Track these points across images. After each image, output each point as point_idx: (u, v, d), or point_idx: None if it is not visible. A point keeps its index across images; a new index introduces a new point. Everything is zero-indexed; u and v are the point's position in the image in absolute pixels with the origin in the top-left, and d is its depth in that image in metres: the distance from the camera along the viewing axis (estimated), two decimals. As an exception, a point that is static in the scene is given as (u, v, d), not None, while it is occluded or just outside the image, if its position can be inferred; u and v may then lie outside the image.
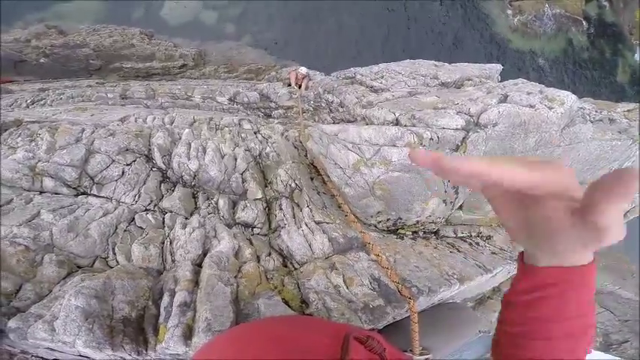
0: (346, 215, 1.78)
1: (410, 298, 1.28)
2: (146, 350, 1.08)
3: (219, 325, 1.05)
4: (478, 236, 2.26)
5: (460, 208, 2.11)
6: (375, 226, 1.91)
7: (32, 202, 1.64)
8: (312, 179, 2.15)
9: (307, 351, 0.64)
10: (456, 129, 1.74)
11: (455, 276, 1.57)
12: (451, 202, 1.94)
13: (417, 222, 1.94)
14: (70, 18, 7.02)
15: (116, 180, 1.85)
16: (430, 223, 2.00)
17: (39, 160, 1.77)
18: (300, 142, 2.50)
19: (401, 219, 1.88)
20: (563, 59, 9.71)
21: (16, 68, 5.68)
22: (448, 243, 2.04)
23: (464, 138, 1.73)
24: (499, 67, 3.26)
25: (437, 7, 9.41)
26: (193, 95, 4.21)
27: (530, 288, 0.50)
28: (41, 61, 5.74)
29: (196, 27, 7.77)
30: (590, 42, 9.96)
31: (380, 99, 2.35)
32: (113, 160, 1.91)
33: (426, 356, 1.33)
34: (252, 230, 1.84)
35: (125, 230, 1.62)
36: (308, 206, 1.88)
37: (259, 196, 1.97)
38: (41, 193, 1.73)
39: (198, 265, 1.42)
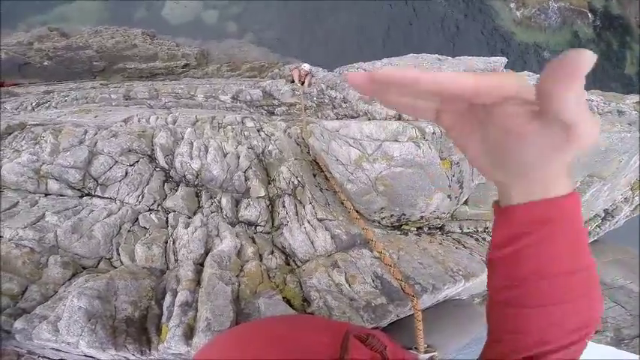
0: (349, 212, 1.77)
1: (413, 296, 1.26)
2: (149, 350, 1.08)
3: (219, 324, 1.05)
4: (484, 231, 2.22)
5: (465, 203, 2.08)
6: (379, 223, 1.89)
7: (37, 204, 1.66)
8: (314, 176, 2.14)
9: (307, 350, 0.63)
10: (460, 123, 1.71)
11: (460, 272, 1.55)
12: (456, 197, 1.92)
13: (422, 217, 1.91)
14: (72, 20, 7.08)
15: (120, 181, 1.86)
16: (435, 218, 1.98)
17: (43, 163, 1.79)
18: (303, 139, 2.49)
19: (405, 215, 1.86)
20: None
21: (21, 71, 5.76)
22: (454, 239, 2.01)
23: (468, 132, 1.70)
24: (504, 60, 3.20)
25: (438, 0, 9.29)
26: (196, 94, 4.22)
27: (510, 237, 0.44)
28: (45, 63, 5.81)
29: (198, 26, 7.77)
30: (596, 34, 9.75)
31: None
32: (116, 161, 1.92)
33: (432, 354, 1.32)
34: (256, 228, 1.83)
35: (129, 231, 1.63)
36: (310, 203, 1.87)
37: (262, 193, 1.97)
38: (46, 195, 1.75)
39: (200, 265, 1.42)
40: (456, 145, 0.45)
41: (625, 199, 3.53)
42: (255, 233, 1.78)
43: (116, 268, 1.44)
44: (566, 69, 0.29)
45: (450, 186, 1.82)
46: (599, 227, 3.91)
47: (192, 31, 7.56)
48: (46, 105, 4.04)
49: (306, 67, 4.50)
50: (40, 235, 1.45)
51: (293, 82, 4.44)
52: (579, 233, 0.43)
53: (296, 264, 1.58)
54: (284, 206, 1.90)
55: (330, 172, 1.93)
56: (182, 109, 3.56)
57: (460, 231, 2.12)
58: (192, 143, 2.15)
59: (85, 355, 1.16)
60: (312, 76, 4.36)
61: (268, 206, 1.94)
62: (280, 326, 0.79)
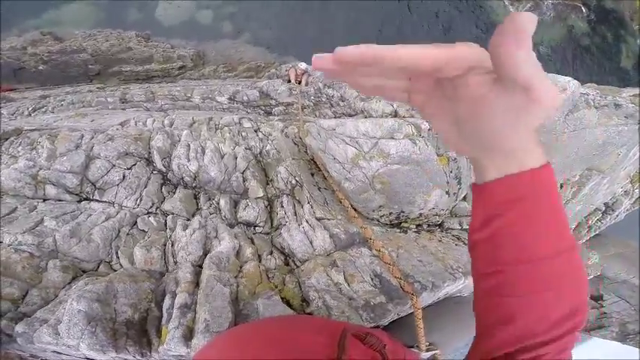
0: (347, 210, 1.77)
1: (413, 295, 1.26)
2: (150, 352, 1.09)
3: (218, 326, 1.05)
4: (483, 227, 2.23)
5: (464, 199, 2.08)
6: (378, 221, 1.89)
7: (36, 209, 1.66)
8: (312, 175, 2.14)
9: (305, 351, 0.63)
10: (456, 119, 1.71)
11: (460, 270, 1.55)
12: (454, 194, 1.92)
13: (420, 215, 1.91)
14: (65, 24, 7.03)
15: (117, 184, 1.86)
16: (434, 215, 1.98)
17: (40, 168, 1.79)
18: (300, 139, 2.49)
19: (403, 212, 1.86)
20: (564, 46, 9.52)
21: (16, 76, 5.75)
22: (453, 235, 2.01)
23: (464, 128, 1.70)
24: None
25: (431, -5, 9.26)
26: (193, 96, 4.22)
27: (487, 216, 0.43)
28: (40, 68, 5.79)
29: (193, 27, 7.73)
30: (591, 28, 9.74)
31: (378, 92, 2.32)
32: (113, 165, 1.91)
33: (434, 352, 1.32)
34: (255, 229, 1.83)
35: (128, 234, 1.63)
36: (309, 202, 1.88)
37: (260, 194, 1.97)
38: (44, 200, 1.75)
39: (199, 266, 1.42)
40: (431, 126, 0.45)
41: (625, 192, 3.54)
42: (254, 234, 1.78)
43: (116, 271, 1.44)
44: (510, 28, 0.30)
45: (447, 182, 1.82)
46: (599, 221, 3.91)
47: (187, 32, 7.52)
48: (43, 110, 4.03)
49: (302, 66, 4.50)
50: (39, 240, 1.45)
51: (290, 81, 4.43)
52: (557, 210, 0.42)
53: (295, 264, 1.58)
54: (282, 206, 1.91)
55: (328, 171, 1.93)
56: (179, 111, 3.56)
57: (460, 227, 2.13)
58: (189, 145, 2.15)
59: (86, 358, 1.16)
60: (309, 75, 4.35)
61: (267, 207, 1.94)
62: (279, 327, 0.79)
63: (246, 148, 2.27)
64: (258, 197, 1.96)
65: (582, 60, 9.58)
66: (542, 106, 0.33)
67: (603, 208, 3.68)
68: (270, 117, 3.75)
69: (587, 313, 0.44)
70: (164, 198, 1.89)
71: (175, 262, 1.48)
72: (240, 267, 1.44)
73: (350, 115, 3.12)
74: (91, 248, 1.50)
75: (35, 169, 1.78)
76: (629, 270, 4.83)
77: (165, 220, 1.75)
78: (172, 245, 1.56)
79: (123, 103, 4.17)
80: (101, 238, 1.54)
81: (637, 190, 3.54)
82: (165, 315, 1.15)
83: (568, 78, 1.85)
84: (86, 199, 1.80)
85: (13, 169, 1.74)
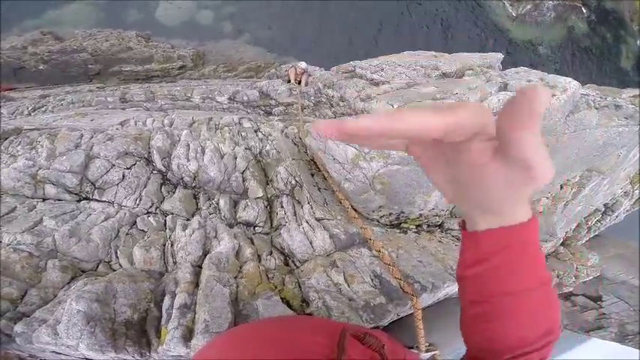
0: (347, 211, 1.76)
1: (413, 295, 1.26)
2: (149, 352, 1.08)
3: (217, 326, 1.05)
4: (483, 228, 2.22)
5: (464, 199, 2.08)
6: (378, 221, 1.89)
7: (35, 209, 1.65)
8: (312, 175, 2.14)
9: (305, 351, 0.63)
10: (456, 120, 1.70)
11: (459, 269, 1.55)
12: (454, 195, 1.92)
13: (420, 215, 1.91)
14: (65, 24, 7.03)
15: (117, 184, 1.85)
16: (434, 216, 1.98)
17: (40, 168, 1.78)
18: (300, 139, 2.49)
19: (403, 213, 1.86)
20: (564, 47, 9.54)
21: (16, 75, 5.74)
22: (453, 236, 2.01)
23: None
24: (500, 55, 3.19)
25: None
26: (193, 96, 4.21)
27: (476, 259, 0.48)
28: (40, 67, 5.79)
29: (193, 27, 7.74)
30: (591, 29, 9.76)
31: (378, 91, 2.32)
32: (113, 165, 1.91)
33: (433, 352, 1.32)
34: (254, 229, 1.83)
35: (127, 234, 1.62)
36: (309, 203, 1.87)
37: (260, 194, 1.97)
38: (44, 200, 1.74)
39: (199, 267, 1.41)
40: (426, 173, 0.47)
41: (625, 193, 3.53)
42: (253, 234, 1.77)
43: (115, 271, 1.44)
44: (522, 107, 0.31)
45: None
46: (599, 222, 3.90)
47: (187, 32, 7.53)
48: (43, 109, 4.02)
49: (302, 64, 4.50)
50: (38, 240, 1.45)
51: (290, 81, 4.43)
52: (536, 255, 0.47)
53: (295, 264, 1.58)
54: (282, 206, 1.90)
55: (328, 172, 1.93)
56: (179, 111, 3.56)
57: (459, 228, 2.12)
58: (188, 145, 2.15)
59: (85, 358, 1.16)
60: (309, 75, 4.35)
61: (266, 207, 1.93)
62: (278, 327, 0.78)
63: (245, 148, 2.27)
64: (258, 197, 1.95)
65: (582, 60, 9.60)
66: (539, 183, 0.35)
67: (603, 209, 3.68)
68: (270, 117, 3.75)
69: (560, 330, 0.51)
70: (164, 198, 1.89)
71: (175, 262, 1.48)
72: (240, 267, 1.44)
73: (350, 116, 3.11)
74: (91, 248, 1.49)
75: (35, 168, 1.77)
76: (628, 271, 4.82)
77: (165, 220, 1.75)
78: (172, 245, 1.56)
79: (123, 102, 4.17)
80: (100, 238, 1.53)
81: (637, 191, 3.54)
82: (164, 315, 1.15)
83: (569, 79, 1.85)
84: (86, 198, 1.80)
85: (12, 168, 1.73)
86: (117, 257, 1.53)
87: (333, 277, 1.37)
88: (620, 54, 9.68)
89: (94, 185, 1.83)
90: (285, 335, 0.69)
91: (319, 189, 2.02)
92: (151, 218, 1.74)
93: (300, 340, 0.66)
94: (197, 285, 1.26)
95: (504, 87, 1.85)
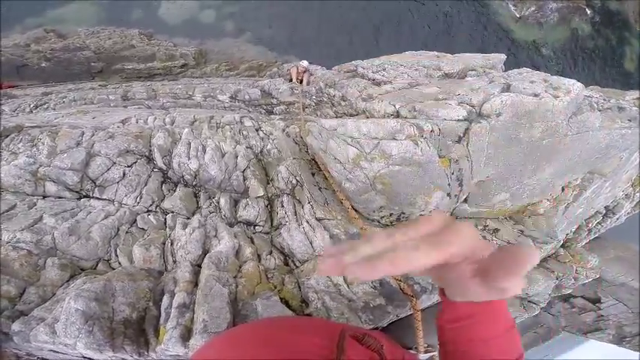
0: (347, 211, 1.76)
1: (412, 296, 1.25)
2: (147, 351, 1.08)
3: (216, 326, 1.04)
4: (485, 229, 2.22)
5: (465, 201, 2.07)
6: (379, 222, 1.88)
7: (35, 206, 1.65)
8: (313, 175, 2.13)
9: (304, 351, 0.63)
10: (458, 120, 1.69)
11: (459, 271, 1.54)
12: (455, 195, 1.91)
13: (421, 216, 1.90)
14: (68, 22, 7.04)
15: (117, 182, 1.85)
16: (434, 217, 1.96)
17: (40, 165, 1.78)
18: (301, 138, 2.48)
19: (404, 213, 1.85)
20: (568, 48, 9.49)
21: (19, 73, 5.75)
22: (453, 237, 2.00)
23: (466, 129, 1.69)
24: (503, 56, 3.18)
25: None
26: (194, 94, 4.21)
27: (454, 319, 0.60)
28: (43, 65, 5.80)
29: (195, 26, 7.74)
30: (595, 30, 9.71)
31: (380, 91, 2.31)
32: (114, 163, 1.91)
33: (432, 354, 1.31)
34: (255, 228, 1.83)
35: (127, 232, 1.62)
36: (309, 202, 1.87)
37: (261, 193, 1.96)
38: (44, 197, 1.74)
39: (198, 266, 1.41)
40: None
41: (626, 195, 3.52)
42: (253, 233, 1.77)
43: (114, 269, 1.44)
44: (518, 266, 0.41)
45: (449, 184, 1.81)
46: (600, 224, 3.88)
47: (189, 31, 7.53)
48: (44, 107, 4.03)
49: (304, 64, 4.49)
50: (38, 238, 1.44)
51: (291, 80, 4.43)
52: (504, 315, 0.61)
53: (295, 264, 1.57)
54: (283, 206, 1.90)
55: (329, 171, 1.92)
56: (180, 110, 3.56)
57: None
58: (189, 143, 2.15)
59: (84, 357, 1.15)
60: (311, 74, 4.34)
61: (267, 206, 1.93)
62: (277, 327, 0.78)
63: (247, 147, 2.26)
64: (259, 196, 1.95)
65: (585, 62, 9.55)
66: (509, 298, 0.48)
67: (604, 212, 3.66)
68: (272, 116, 3.74)
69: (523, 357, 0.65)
70: (164, 196, 1.89)
71: (174, 261, 1.48)
72: (240, 267, 1.43)
73: (351, 115, 3.11)
74: (90, 246, 1.49)
75: (35, 165, 1.77)
76: (628, 273, 4.80)
77: (165, 219, 1.75)
78: (172, 244, 1.56)
79: (125, 100, 4.17)
80: (100, 236, 1.53)
81: (638, 194, 3.52)
82: (163, 314, 1.14)
83: (572, 80, 1.84)
84: (86, 196, 1.80)
85: (13, 165, 1.73)
86: (116, 255, 1.52)
87: (332, 278, 1.37)
88: (624, 56, 9.63)
89: (95, 183, 1.82)
90: (284, 336, 0.69)
91: (320, 189, 2.02)
92: (151, 216, 1.73)
93: (299, 341, 0.66)
94: (196, 284, 1.26)
95: (507, 88, 1.84)
